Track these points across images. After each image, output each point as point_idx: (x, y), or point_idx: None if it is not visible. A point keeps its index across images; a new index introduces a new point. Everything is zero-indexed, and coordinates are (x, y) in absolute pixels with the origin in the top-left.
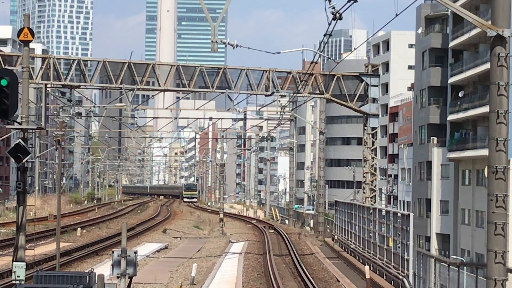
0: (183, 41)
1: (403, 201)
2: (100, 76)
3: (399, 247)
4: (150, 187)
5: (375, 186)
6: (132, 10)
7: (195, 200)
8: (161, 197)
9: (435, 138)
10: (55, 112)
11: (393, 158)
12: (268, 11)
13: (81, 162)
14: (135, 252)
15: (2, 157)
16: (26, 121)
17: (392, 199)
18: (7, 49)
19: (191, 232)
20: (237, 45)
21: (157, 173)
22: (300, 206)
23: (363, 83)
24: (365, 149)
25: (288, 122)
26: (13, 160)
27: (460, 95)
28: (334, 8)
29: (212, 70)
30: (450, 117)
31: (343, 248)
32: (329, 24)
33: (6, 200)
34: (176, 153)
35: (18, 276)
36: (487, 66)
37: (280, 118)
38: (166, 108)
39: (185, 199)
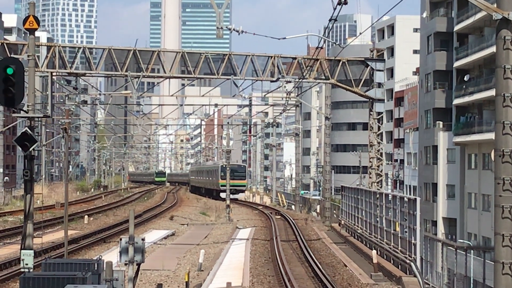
0: (188, 28)
1: (409, 186)
2: (106, 64)
3: (406, 232)
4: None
5: (381, 171)
6: None
7: (241, 194)
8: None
9: (441, 123)
10: (61, 100)
11: (399, 143)
12: None
13: (87, 150)
14: (143, 239)
15: (9, 145)
16: (32, 109)
17: (398, 184)
18: (12, 38)
19: (198, 218)
20: (242, 31)
21: (163, 160)
22: (306, 191)
23: (368, 68)
24: (371, 134)
25: (294, 108)
26: (20, 149)
27: (465, 79)
28: None
29: (217, 56)
30: (456, 101)
31: (350, 233)
32: (334, 9)
33: (13, 189)
34: (181, 140)
35: (27, 264)
36: (492, 49)
37: (286, 104)
38: (172, 95)
39: (222, 194)
